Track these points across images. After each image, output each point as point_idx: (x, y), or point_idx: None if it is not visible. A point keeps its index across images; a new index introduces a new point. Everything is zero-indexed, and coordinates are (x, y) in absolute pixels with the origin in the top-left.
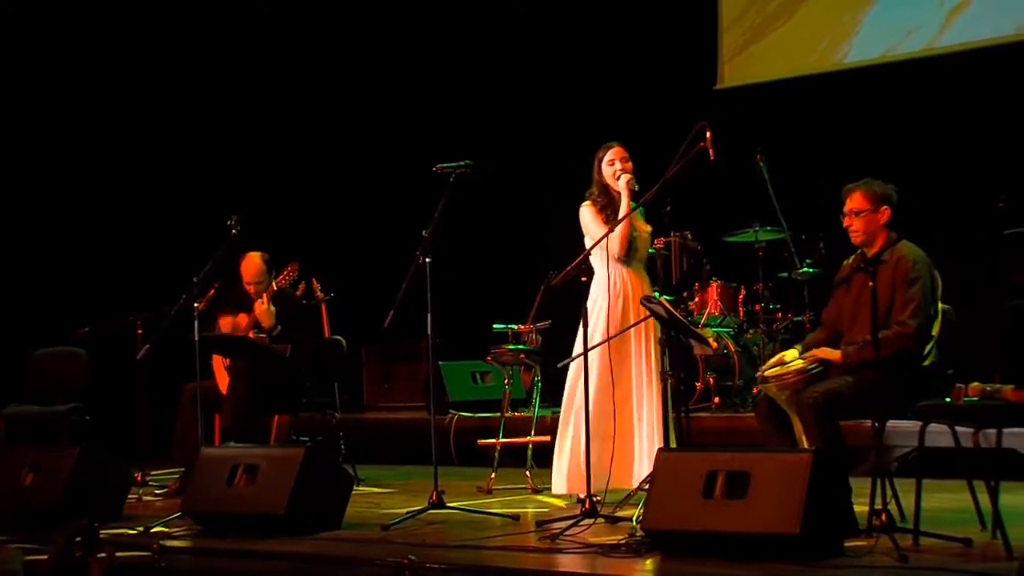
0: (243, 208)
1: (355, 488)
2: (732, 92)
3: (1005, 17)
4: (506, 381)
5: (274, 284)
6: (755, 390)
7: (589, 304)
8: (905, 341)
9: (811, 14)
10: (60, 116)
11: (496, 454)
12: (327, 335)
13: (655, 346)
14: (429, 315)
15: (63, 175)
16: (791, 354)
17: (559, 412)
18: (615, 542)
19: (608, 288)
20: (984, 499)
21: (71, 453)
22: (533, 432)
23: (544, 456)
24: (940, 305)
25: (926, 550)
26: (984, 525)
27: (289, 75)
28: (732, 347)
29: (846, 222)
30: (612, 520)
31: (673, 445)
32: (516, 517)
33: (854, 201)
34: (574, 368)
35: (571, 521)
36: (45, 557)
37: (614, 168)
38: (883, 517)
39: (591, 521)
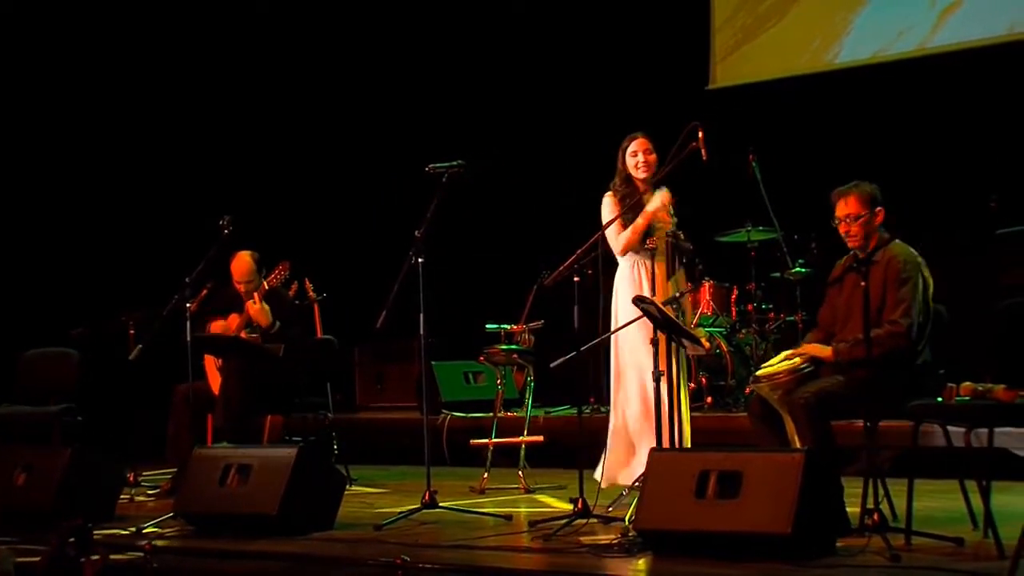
0: (235, 207)
1: (348, 488)
2: (724, 92)
3: (997, 17)
4: (499, 381)
5: (265, 283)
6: (747, 390)
7: (613, 297)
8: (897, 340)
9: (803, 14)
10: (54, 117)
11: (489, 454)
12: (320, 335)
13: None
14: (422, 315)
15: (55, 175)
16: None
17: (551, 412)
18: (608, 542)
19: (631, 280)
20: (976, 498)
21: (63, 454)
22: (526, 432)
23: (536, 456)
24: (932, 304)
25: (918, 549)
26: (976, 524)
27: (281, 74)
28: (724, 347)
29: (843, 228)
30: (605, 520)
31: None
32: (509, 517)
33: (850, 206)
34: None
35: (564, 521)
36: (37, 559)
37: (636, 159)
38: (875, 517)
39: (584, 521)
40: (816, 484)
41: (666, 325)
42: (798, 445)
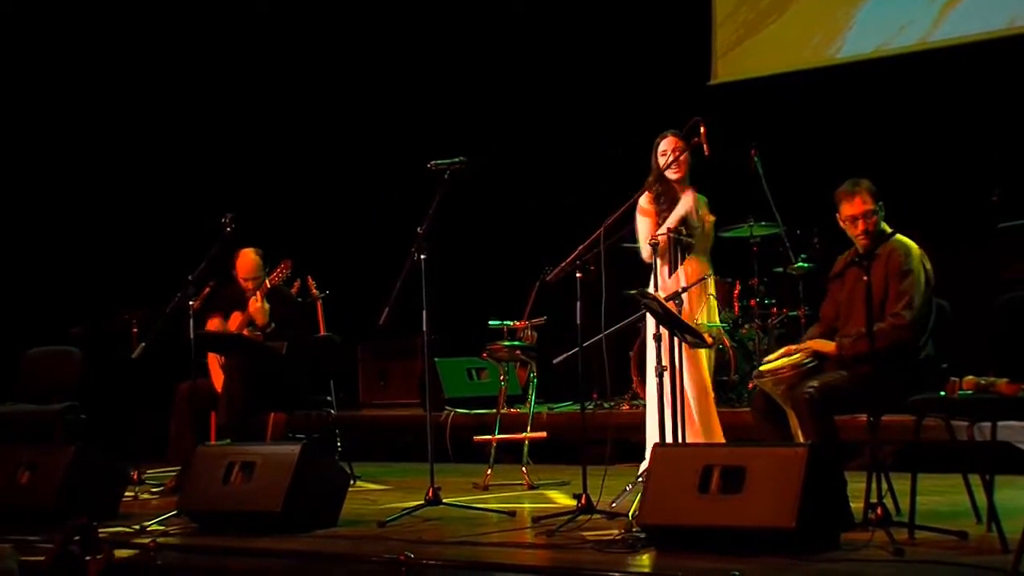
0: (237, 205)
1: (351, 485)
2: (726, 87)
3: (997, 11)
4: (502, 377)
5: (267, 281)
6: (750, 385)
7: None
8: (899, 332)
9: (804, 9)
10: (55, 116)
11: (492, 450)
12: (323, 332)
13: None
14: (425, 312)
15: (57, 174)
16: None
17: (554, 408)
18: (611, 537)
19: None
20: (979, 493)
21: (66, 452)
22: (529, 428)
23: (540, 452)
24: (934, 298)
25: (922, 543)
26: (979, 518)
27: (283, 72)
28: (727, 342)
29: (861, 225)
30: (609, 515)
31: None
32: (512, 513)
33: (864, 203)
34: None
35: (567, 517)
36: (42, 557)
37: (667, 159)
38: (879, 511)
39: (587, 517)
40: (820, 478)
41: (667, 320)
42: (801, 440)
